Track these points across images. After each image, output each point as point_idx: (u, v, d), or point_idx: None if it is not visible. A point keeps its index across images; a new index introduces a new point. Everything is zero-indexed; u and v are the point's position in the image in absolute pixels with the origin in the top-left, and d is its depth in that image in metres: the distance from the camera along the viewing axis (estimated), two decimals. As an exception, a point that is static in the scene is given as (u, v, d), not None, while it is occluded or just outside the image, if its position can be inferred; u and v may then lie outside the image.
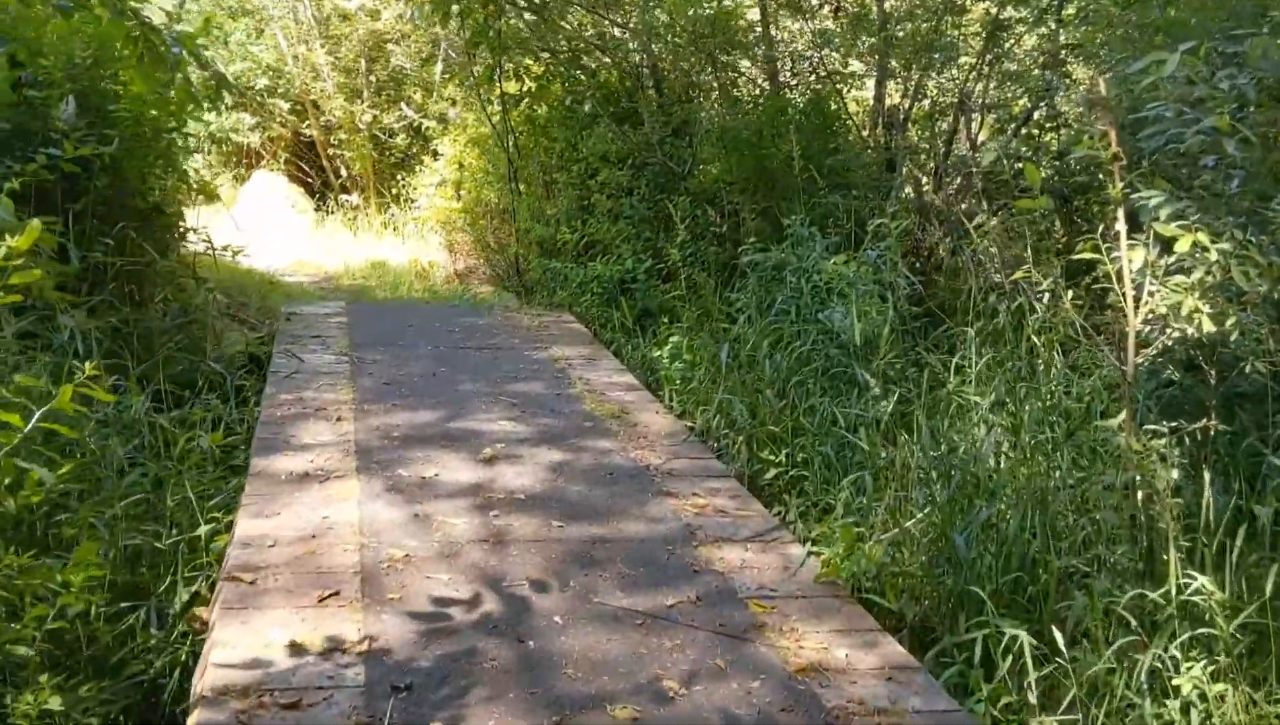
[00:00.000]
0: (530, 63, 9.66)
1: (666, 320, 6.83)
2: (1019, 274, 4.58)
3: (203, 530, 3.78)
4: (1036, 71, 7.84)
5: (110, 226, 5.85)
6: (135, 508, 3.85)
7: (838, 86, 8.77)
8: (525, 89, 9.88)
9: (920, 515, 3.91)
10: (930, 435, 4.14)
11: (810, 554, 3.66)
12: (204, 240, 8.14)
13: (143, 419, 4.57)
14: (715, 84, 8.96)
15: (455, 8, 8.06)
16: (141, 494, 3.93)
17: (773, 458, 4.89)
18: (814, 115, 7.91)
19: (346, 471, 4.08)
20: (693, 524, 3.85)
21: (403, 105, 12.92)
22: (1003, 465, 4.18)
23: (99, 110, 6.08)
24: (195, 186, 8.63)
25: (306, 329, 6.64)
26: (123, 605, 3.52)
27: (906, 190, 7.78)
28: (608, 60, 8.92)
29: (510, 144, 9.77)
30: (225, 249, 10.04)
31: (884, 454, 4.43)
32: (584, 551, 3.54)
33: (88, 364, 3.07)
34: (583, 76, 9.36)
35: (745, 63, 9.17)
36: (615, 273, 7.35)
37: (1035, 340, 4.63)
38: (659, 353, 6.34)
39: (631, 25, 8.96)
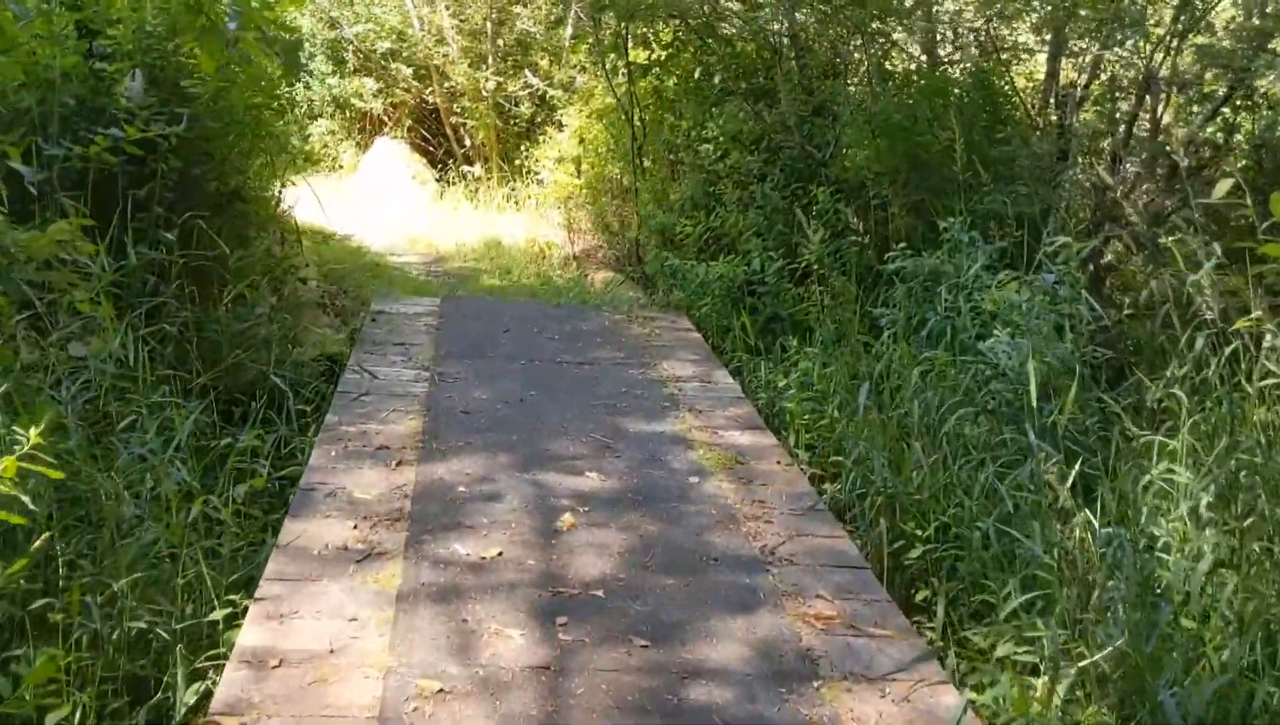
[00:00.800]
0: (660, 29, 8.81)
1: (796, 340, 5.92)
2: (1241, 323, 3.56)
3: (218, 614, 3.14)
4: (1235, 46, 6.57)
5: (180, 215, 5.28)
6: (147, 576, 3.23)
7: (1005, 61, 7.62)
8: (653, 58, 9.02)
9: (1110, 649, 2.97)
10: (1125, 544, 3.17)
11: (970, 705, 2.77)
12: (296, 230, 7.65)
13: (185, 444, 3.98)
14: (863, 57, 7.91)
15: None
16: (154, 559, 3.30)
17: (919, 531, 3.98)
18: (978, 96, 6.81)
19: (392, 547, 3.35)
20: (815, 649, 2.99)
21: (527, 72, 12.20)
22: (1220, 583, 3.20)
23: (174, 85, 5.50)
24: (299, 156, 8.06)
25: (391, 333, 5.99)
26: (115, 705, 2.91)
27: (1082, 181, 6.66)
28: (744, 28, 7.96)
29: (635, 118, 8.94)
30: (324, 237, 9.61)
31: (1061, 543, 3.48)
32: (669, 691, 2.73)
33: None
34: (715, 46, 8.43)
35: (899, 34, 8.09)
36: (740, 273, 6.46)
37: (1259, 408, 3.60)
38: (785, 381, 5.45)
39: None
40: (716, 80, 7.91)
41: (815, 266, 6.45)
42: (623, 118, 9.36)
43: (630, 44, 8.98)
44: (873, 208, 6.57)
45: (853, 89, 7.30)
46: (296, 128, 8.91)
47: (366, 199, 12.32)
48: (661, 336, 6.33)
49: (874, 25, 6.80)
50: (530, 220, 11.43)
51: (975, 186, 6.26)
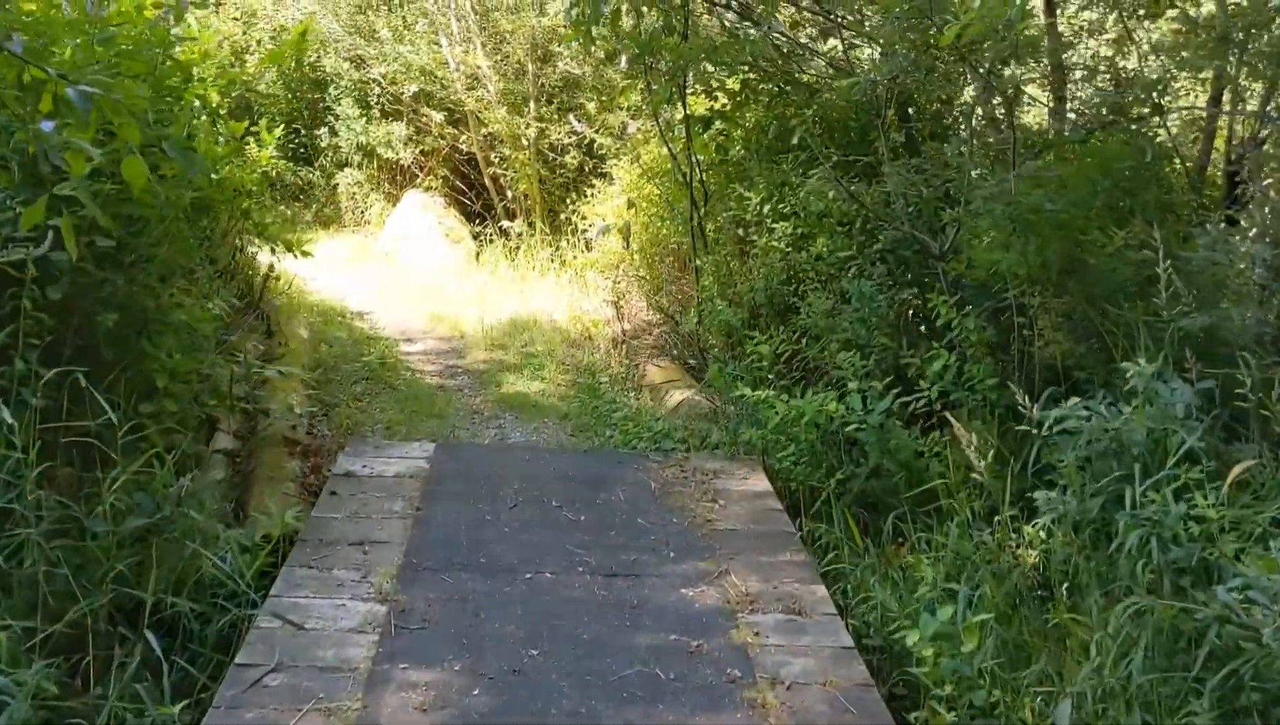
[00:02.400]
0: (723, 74, 7.21)
1: (914, 523, 4.26)
2: None
3: None
4: None
5: (68, 363, 3.79)
6: None
7: (1163, 111, 5.86)
8: (716, 107, 7.43)
9: None
10: None
11: None
12: (274, 326, 6.20)
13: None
14: (982, 110, 6.20)
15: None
16: None
17: None
18: (1140, 167, 5.05)
19: None
20: None
21: (572, 118, 10.66)
22: None
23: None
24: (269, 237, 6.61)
25: (354, 517, 4.38)
26: None
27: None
28: (832, 77, 6.32)
29: (695, 179, 7.34)
30: (333, 316, 8.13)
31: None
32: None
33: None
34: (794, 96, 6.80)
35: (1032, 78, 6.37)
36: (835, 414, 4.79)
37: None
38: (904, 602, 3.78)
39: (867, 26, 6.34)
40: (795, 139, 6.26)
41: (936, 404, 4.79)
42: (679, 179, 7.78)
43: (690, 87, 7.40)
44: (1015, 325, 4.86)
45: (973, 154, 5.58)
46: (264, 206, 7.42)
47: (392, 262, 10.90)
48: (728, 510, 4.68)
49: (994, 66, 5.06)
50: (575, 288, 9.88)
51: (1152, 294, 4.56)
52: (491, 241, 11.24)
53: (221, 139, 6.35)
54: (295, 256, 6.66)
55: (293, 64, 12.74)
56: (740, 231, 6.87)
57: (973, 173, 5.05)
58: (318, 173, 12.80)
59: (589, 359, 8.04)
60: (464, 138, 11.35)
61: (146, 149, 3.33)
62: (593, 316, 8.86)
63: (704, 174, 7.53)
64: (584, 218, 10.62)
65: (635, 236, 8.63)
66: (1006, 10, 3.84)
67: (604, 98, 11.15)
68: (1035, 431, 4.47)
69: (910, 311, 5.49)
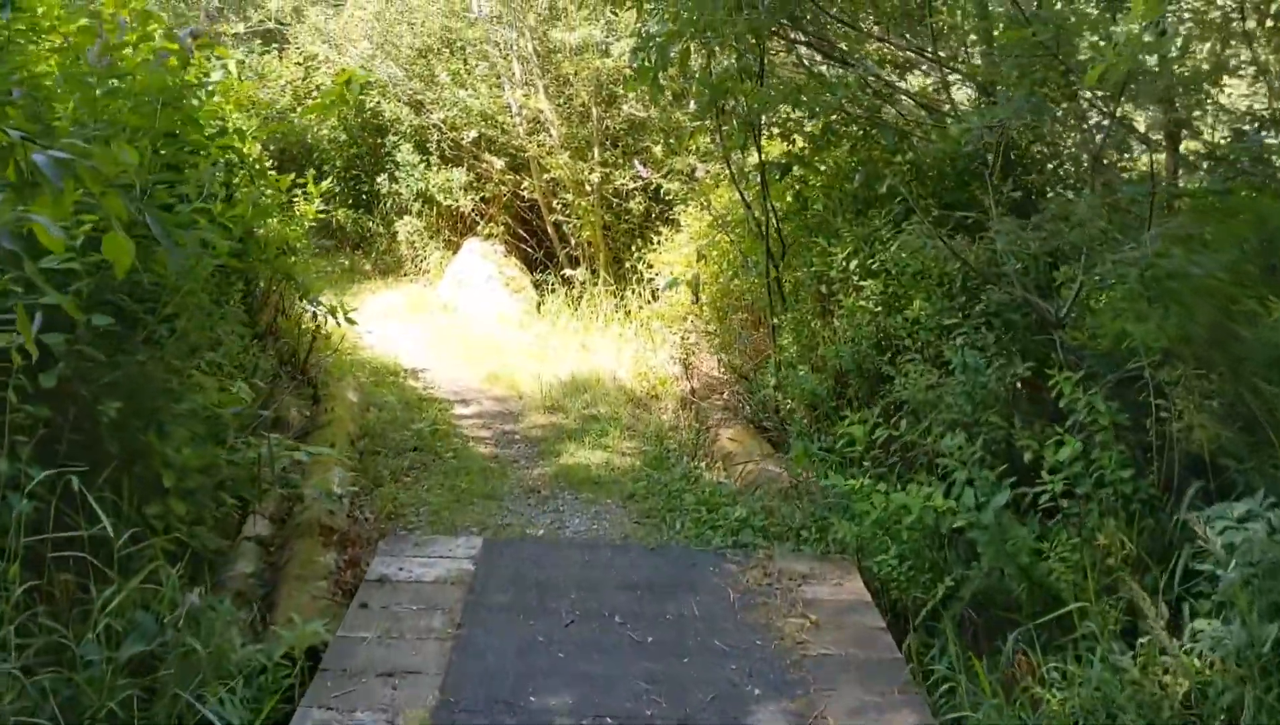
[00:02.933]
0: (801, 116, 6.65)
1: (1035, 635, 3.60)
2: None
3: None
4: None
5: (63, 463, 3.32)
6: None
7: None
8: (794, 150, 6.86)
9: None
10: None
11: None
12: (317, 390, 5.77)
13: None
14: (1091, 154, 5.53)
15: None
16: None
17: None
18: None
19: None
20: None
21: (637, 163, 10.16)
22: None
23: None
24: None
25: (385, 636, 3.79)
26: None
27: None
28: (922, 116, 5.72)
29: (770, 228, 6.77)
30: (386, 375, 7.67)
31: None
32: None
33: None
34: (881, 140, 6.21)
35: (1142, 115, 5.69)
36: (941, 511, 4.14)
37: None
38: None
39: (962, 62, 5.74)
40: (884, 187, 5.65)
41: (1061, 499, 4.14)
42: (754, 229, 7.21)
43: (765, 130, 6.84)
44: (1151, 405, 4.18)
45: (1097, 206, 4.90)
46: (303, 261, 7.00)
47: (450, 312, 10.47)
48: (823, 628, 4.03)
49: (1146, 111, 4.40)
50: (640, 341, 9.33)
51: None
52: (553, 290, 10.76)
53: (264, 193, 5.93)
54: (339, 322, 6.21)
55: (352, 110, 12.49)
56: (822, 288, 6.26)
57: (1098, 226, 4.39)
58: (378, 220, 12.48)
59: (655, 421, 7.47)
60: (525, 184, 10.92)
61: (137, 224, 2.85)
62: (659, 373, 8.29)
63: (780, 224, 6.95)
64: (649, 266, 10.10)
65: (705, 289, 8.06)
66: (1162, 45, 3.21)
67: (671, 140, 10.66)
68: (1180, 530, 3.82)
69: (1022, 386, 4.84)
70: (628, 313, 10.28)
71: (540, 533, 5.00)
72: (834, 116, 6.46)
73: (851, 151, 6.52)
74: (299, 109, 13.33)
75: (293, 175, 6.79)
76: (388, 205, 12.23)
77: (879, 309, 5.69)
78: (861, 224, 5.99)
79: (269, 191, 6.17)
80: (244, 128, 5.91)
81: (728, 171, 8.78)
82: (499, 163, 10.79)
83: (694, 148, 8.91)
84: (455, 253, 11.41)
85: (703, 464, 6.61)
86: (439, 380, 8.25)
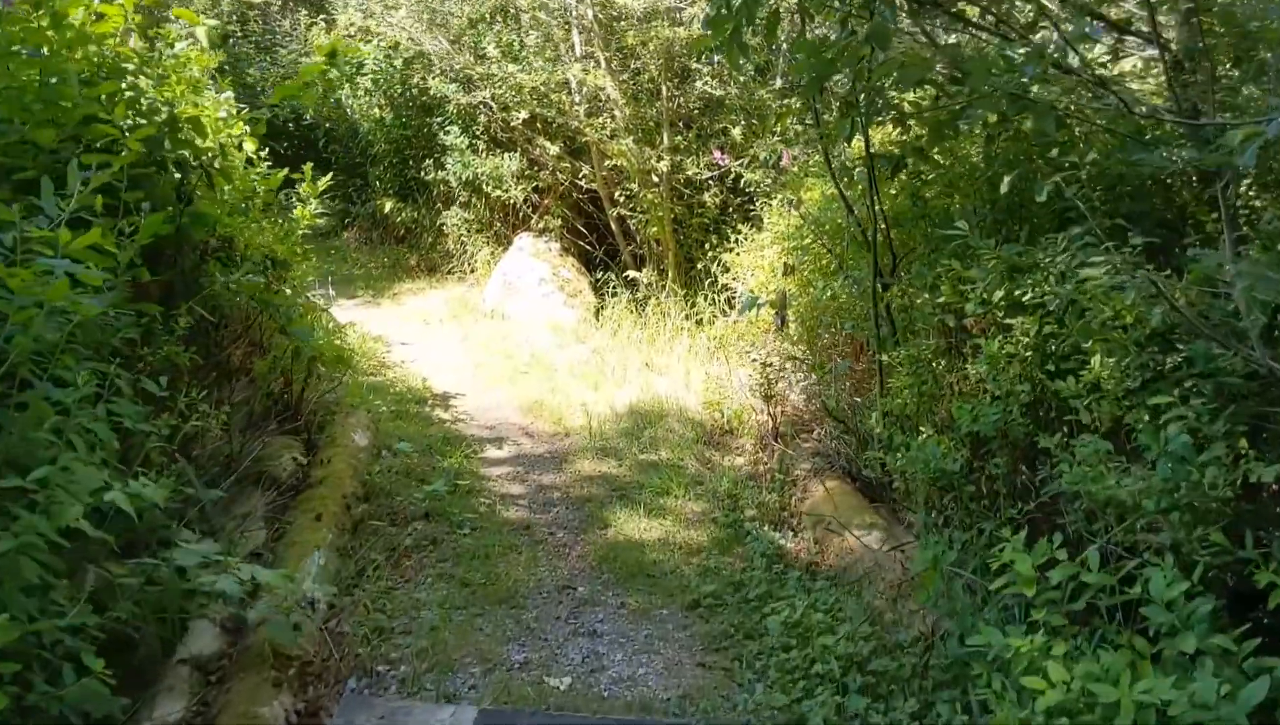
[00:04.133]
0: (919, 94, 5.20)
1: None
2: None
3: None
4: None
5: None
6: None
7: None
8: (908, 139, 5.38)
9: None
10: None
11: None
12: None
13: None
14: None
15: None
16: None
17: None
18: None
19: None
20: None
21: (715, 151, 8.72)
22: None
23: None
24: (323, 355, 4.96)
25: None
26: None
27: None
28: (1107, 105, 4.20)
29: (878, 239, 5.33)
30: (412, 401, 6.42)
31: None
32: None
33: None
34: (1027, 127, 4.70)
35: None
36: (1166, 706, 2.69)
37: None
38: None
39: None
40: (1043, 196, 4.16)
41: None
42: (857, 237, 5.78)
43: (871, 112, 5.37)
44: None
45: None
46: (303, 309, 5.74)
47: (496, 319, 9.18)
48: None
49: None
50: (713, 359, 7.95)
51: None
52: (615, 294, 9.41)
53: (228, 199, 4.67)
54: (328, 369, 4.96)
55: (397, 87, 11.28)
56: (949, 320, 4.79)
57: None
58: (423, 211, 11.26)
59: (729, 468, 6.11)
60: (584, 172, 9.56)
61: None
62: (735, 403, 6.90)
63: (892, 232, 5.50)
64: (726, 270, 8.68)
65: (793, 306, 6.62)
66: None
67: (753, 122, 9.21)
68: None
69: (1258, 482, 3.35)
70: (699, 322, 8.90)
71: (565, 683, 3.62)
72: (958, 93, 4.97)
73: (988, 143, 5.03)
74: (346, 88, 12.19)
75: (284, 171, 5.54)
76: (434, 194, 10.99)
77: (1030, 353, 4.22)
78: (1008, 239, 4.51)
79: (234, 195, 4.92)
80: (207, 114, 4.63)
81: (820, 161, 7.36)
82: (554, 148, 9.44)
83: (781, 131, 7.44)
84: (506, 249, 10.13)
85: (789, 537, 5.23)
86: (473, 409, 6.97)
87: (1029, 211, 4.79)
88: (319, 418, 5.91)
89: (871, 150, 5.31)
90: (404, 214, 11.43)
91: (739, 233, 8.58)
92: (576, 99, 9.34)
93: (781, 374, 6.69)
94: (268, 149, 5.56)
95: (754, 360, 6.66)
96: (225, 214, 4.88)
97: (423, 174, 10.69)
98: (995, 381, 4.31)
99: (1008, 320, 4.37)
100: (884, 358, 5.35)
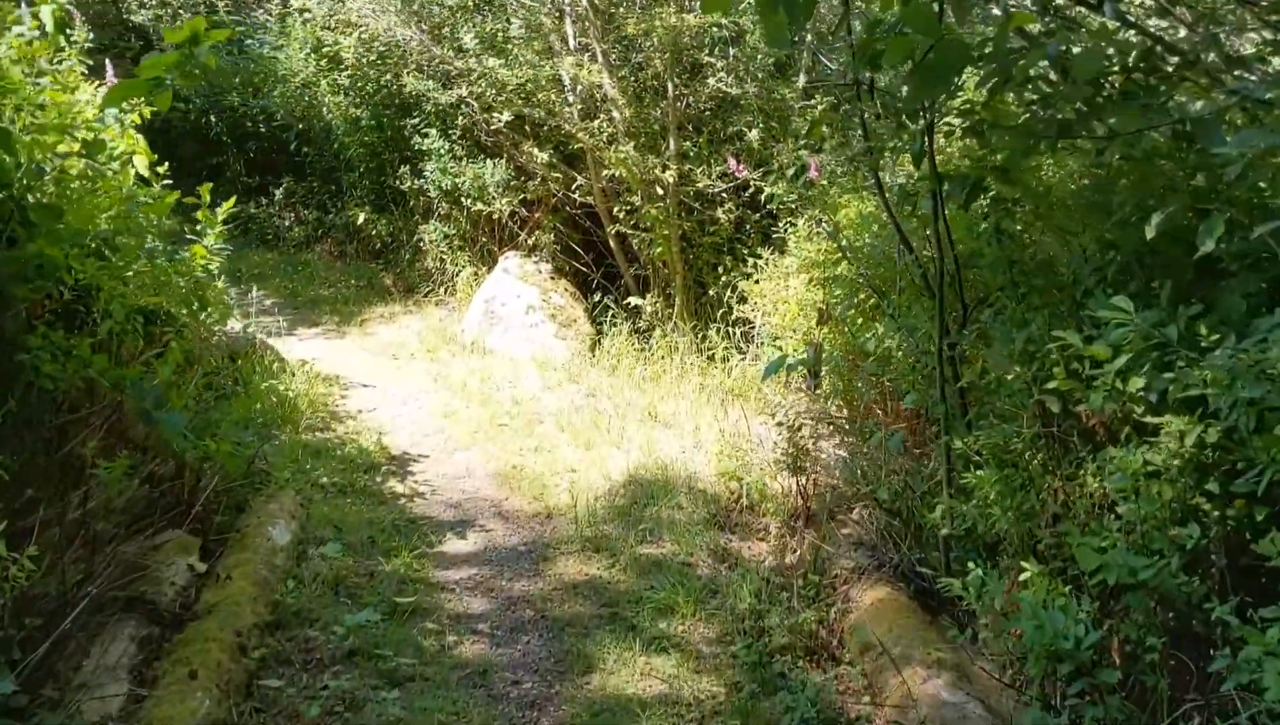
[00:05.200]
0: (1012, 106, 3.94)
1: None
2: None
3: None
4: None
5: None
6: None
7: None
8: (989, 159, 4.10)
9: None
10: None
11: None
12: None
13: None
14: None
15: None
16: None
17: None
18: None
19: None
20: None
21: (731, 160, 7.45)
22: None
23: None
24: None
25: None
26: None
27: None
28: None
29: (944, 281, 4.07)
30: (364, 467, 5.19)
31: None
32: None
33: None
34: (1185, 156, 3.44)
35: None
36: None
37: None
38: None
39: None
40: (1209, 245, 2.89)
41: None
42: (912, 277, 4.53)
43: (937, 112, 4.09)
44: None
45: None
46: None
47: (476, 354, 7.93)
48: None
49: None
50: (728, 407, 6.70)
51: None
52: (614, 324, 8.15)
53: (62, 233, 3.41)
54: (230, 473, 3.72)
55: (372, 83, 10.03)
56: (1055, 404, 3.51)
57: None
58: (400, 224, 10.02)
59: (750, 557, 4.86)
60: (579, 183, 8.29)
61: None
62: (755, 474, 5.63)
63: (956, 256, 4.23)
64: (743, 300, 7.42)
65: (829, 362, 5.35)
66: None
67: (772, 124, 7.94)
68: None
69: None
70: (711, 359, 7.64)
71: None
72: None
73: (1095, 163, 3.76)
74: (326, 81, 10.96)
75: (177, 194, 4.29)
76: (412, 204, 9.75)
77: (1183, 473, 2.96)
78: (1135, 296, 3.23)
79: (110, 225, 3.66)
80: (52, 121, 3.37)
81: (855, 172, 6.12)
82: (543, 155, 8.17)
83: (814, 140, 6.16)
84: (491, 269, 8.87)
85: (831, 677, 3.98)
86: (436, 478, 5.72)
87: (1161, 257, 3.51)
88: (235, 499, 4.67)
89: (940, 171, 4.05)
90: (379, 226, 10.19)
91: (758, 257, 7.31)
92: (570, 98, 8.07)
93: (813, 440, 5.41)
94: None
95: (779, 422, 5.38)
96: (84, 254, 3.64)
97: (399, 182, 9.43)
98: (1134, 505, 3.03)
99: (1148, 418, 3.09)
100: (948, 441, 4.08)
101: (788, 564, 5.07)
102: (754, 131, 7.68)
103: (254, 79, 12.19)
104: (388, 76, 9.38)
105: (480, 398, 6.99)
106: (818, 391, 5.39)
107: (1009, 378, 3.85)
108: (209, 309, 4.89)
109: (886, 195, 4.44)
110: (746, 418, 6.23)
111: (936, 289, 4.17)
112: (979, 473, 3.79)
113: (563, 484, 5.68)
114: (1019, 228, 4.18)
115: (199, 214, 4.52)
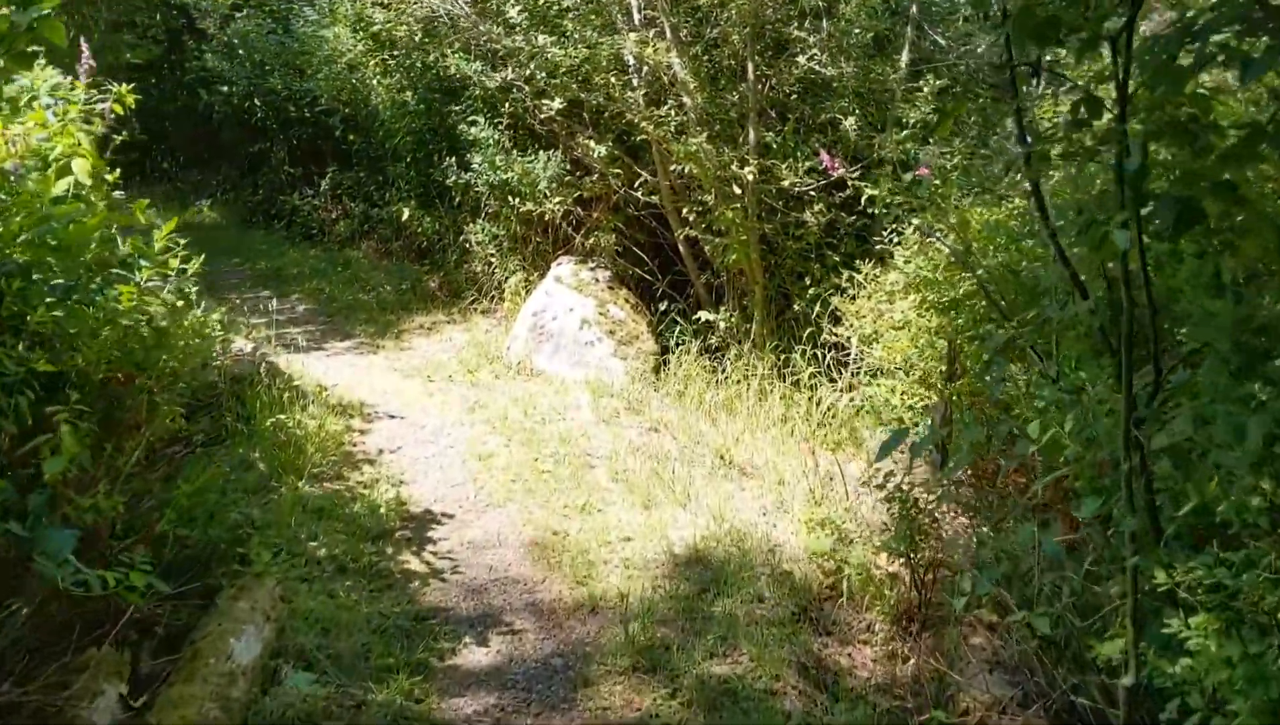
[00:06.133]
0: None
1: None
2: None
3: None
4: None
5: None
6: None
7: None
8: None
9: None
10: None
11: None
12: None
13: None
14: None
15: None
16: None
17: None
18: None
19: None
20: None
21: (821, 151, 6.26)
22: None
23: None
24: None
25: None
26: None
27: None
28: None
29: (1129, 330, 2.89)
30: (366, 535, 4.17)
31: None
32: None
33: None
34: None
35: None
36: None
37: None
38: None
39: None
40: None
41: None
42: (1082, 326, 3.35)
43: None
44: None
45: None
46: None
47: (521, 379, 6.90)
48: None
49: None
50: (820, 461, 5.55)
51: None
52: (682, 342, 7.05)
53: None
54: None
55: (421, 64, 9.03)
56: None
57: None
58: (446, 221, 9.02)
59: (848, 668, 3.74)
60: (643, 179, 7.17)
61: None
62: (857, 551, 4.48)
63: (1154, 323, 3.04)
64: (837, 319, 6.27)
65: (962, 431, 4.17)
66: None
67: (870, 110, 6.74)
68: None
69: None
70: (796, 385, 6.51)
71: None
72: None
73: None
74: (374, 62, 10.02)
75: (99, 218, 3.28)
76: (459, 200, 8.74)
77: None
78: None
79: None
80: None
81: (976, 169, 4.96)
82: (601, 148, 7.06)
83: (943, 136, 4.94)
84: (542, 275, 7.82)
85: None
86: (460, 548, 4.68)
87: None
88: (200, 580, 3.68)
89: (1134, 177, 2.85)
90: (424, 224, 9.21)
91: (854, 269, 6.14)
92: (634, 81, 6.95)
93: (934, 521, 4.25)
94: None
95: (889, 495, 4.23)
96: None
97: (445, 175, 8.42)
98: None
99: None
100: (1145, 566, 2.91)
101: (899, 680, 3.95)
102: (849, 119, 6.47)
103: (297, 59, 11.29)
104: (433, 56, 8.35)
105: (522, 434, 5.94)
106: (943, 468, 4.22)
107: (1241, 488, 2.66)
108: (176, 347, 3.89)
109: (1050, 221, 3.25)
110: (842, 472, 5.09)
111: (1121, 346, 2.99)
112: (1197, 633, 2.61)
113: (614, 559, 4.60)
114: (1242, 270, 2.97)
115: (129, 244, 3.49)
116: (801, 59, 6.36)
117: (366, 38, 9.47)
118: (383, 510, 4.87)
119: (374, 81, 10.03)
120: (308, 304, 8.82)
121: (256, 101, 11.63)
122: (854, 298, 6.16)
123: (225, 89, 11.66)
